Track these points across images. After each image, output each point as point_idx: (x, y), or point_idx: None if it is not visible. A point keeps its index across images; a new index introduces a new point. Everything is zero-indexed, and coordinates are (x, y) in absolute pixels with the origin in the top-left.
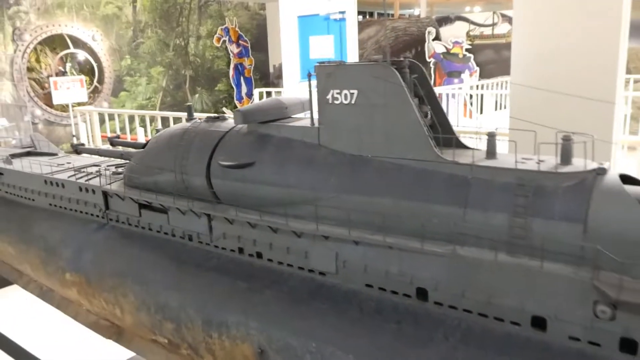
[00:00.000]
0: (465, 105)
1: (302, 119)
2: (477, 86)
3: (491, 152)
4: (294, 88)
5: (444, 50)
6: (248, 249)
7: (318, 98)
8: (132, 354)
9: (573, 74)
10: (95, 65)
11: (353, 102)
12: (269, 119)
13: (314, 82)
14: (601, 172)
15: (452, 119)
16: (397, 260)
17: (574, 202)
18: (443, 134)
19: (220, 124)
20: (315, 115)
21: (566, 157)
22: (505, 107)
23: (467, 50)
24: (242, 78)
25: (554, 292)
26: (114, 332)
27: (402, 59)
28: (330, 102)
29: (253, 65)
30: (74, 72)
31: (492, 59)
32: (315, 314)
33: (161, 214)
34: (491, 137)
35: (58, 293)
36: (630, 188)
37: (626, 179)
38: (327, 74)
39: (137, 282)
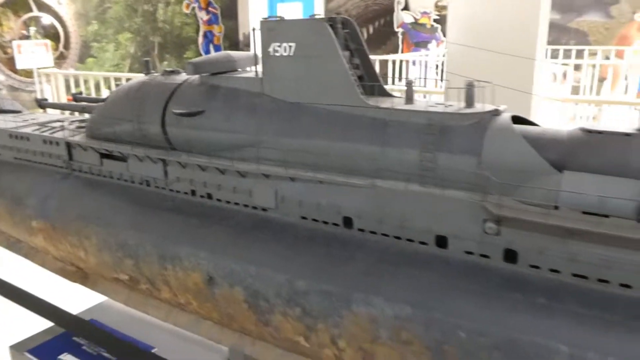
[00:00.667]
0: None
1: (250, 72)
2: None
3: (409, 98)
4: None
5: (412, 20)
6: (200, 190)
7: (262, 51)
8: (100, 296)
9: (500, 34)
10: (60, 30)
11: (291, 54)
12: (219, 70)
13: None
14: (496, 113)
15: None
16: (326, 194)
17: (472, 138)
18: (370, 83)
19: (175, 77)
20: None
21: (470, 101)
22: None
23: (435, 20)
24: (211, 46)
25: (453, 214)
26: (80, 276)
27: (335, 15)
28: (271, 54)
29: (223, 33)
30: (39, 37)
31: None
32: (256, 243)
33: (121, 162)
34: (409, 84)
35: (26, 243)
36: (519, 126)
37: (519, 120)
38: (269, 29)
39: (99, 225)
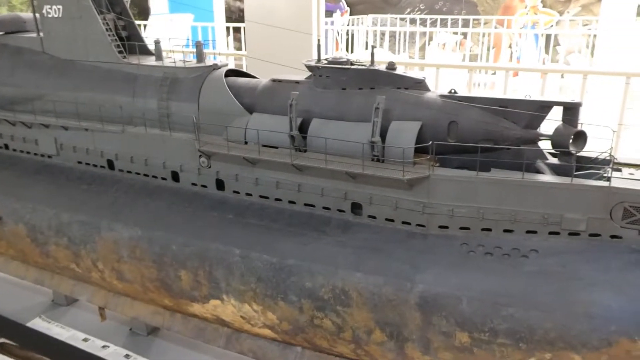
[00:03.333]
0: (337, 43)
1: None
2: (349, 22)
3: (158, 56)
4: (161, 20)
5: None
6: None
7: (39, 13)
8: None
9: (285, 13)
10: None
11: (60, 15)
12: (7, 30)
13: None
14: (215, 67)
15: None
16: (92, 140)
17: (193, 88)
18: (133, 43)
19: None
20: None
21: (200, 57)
22: (374, 47)
23: None
24: None
25: (180, 153)
26: None
27: None
28: (45, 15)
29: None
30: None
31: None
32: (35, 185)
33: None
34: (157, 43)
35: None
36: (230, 78)
37: (239, 73)
38: None
39: None
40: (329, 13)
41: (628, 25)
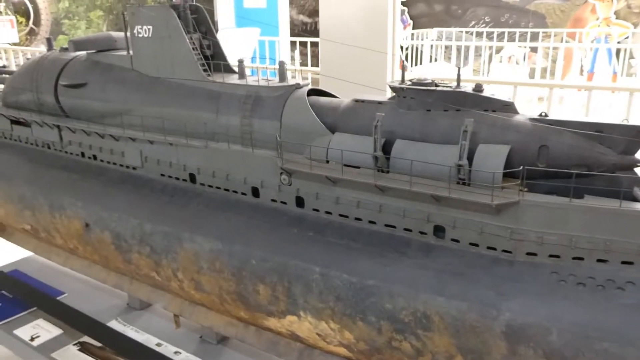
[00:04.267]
0: (401, 61)
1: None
2: (413, 36)
3: (241, 74)
4: (229, 34)
5: None
6: (87, 152)
7: (130, 32)
8: (27, 252)
9: (360, 31)
10: (30, 6)
11: (150, 35)
12: (99, 48)
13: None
14: (298, 86)
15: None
16: (175, 154)
17: (276, 107)
18: (218, 62)
19: (69, 53)
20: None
21: (282, 76)
22: (436, 60)
23: (401, 3)
24: None
25: (261, 169)
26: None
27: (180, 2)
28: (136, 35)
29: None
30: (9, 12)
31: (425, 12)
32: (121, 195)
33: (26, 127)
34: (241, 62)
35: None
36: (313, 97)
37: (320, 92)
38: (132, 13)
39: (2, 180)
40: None
41: None
